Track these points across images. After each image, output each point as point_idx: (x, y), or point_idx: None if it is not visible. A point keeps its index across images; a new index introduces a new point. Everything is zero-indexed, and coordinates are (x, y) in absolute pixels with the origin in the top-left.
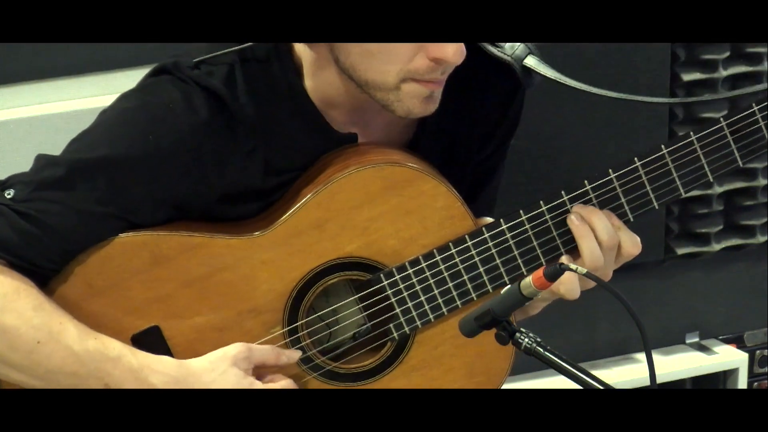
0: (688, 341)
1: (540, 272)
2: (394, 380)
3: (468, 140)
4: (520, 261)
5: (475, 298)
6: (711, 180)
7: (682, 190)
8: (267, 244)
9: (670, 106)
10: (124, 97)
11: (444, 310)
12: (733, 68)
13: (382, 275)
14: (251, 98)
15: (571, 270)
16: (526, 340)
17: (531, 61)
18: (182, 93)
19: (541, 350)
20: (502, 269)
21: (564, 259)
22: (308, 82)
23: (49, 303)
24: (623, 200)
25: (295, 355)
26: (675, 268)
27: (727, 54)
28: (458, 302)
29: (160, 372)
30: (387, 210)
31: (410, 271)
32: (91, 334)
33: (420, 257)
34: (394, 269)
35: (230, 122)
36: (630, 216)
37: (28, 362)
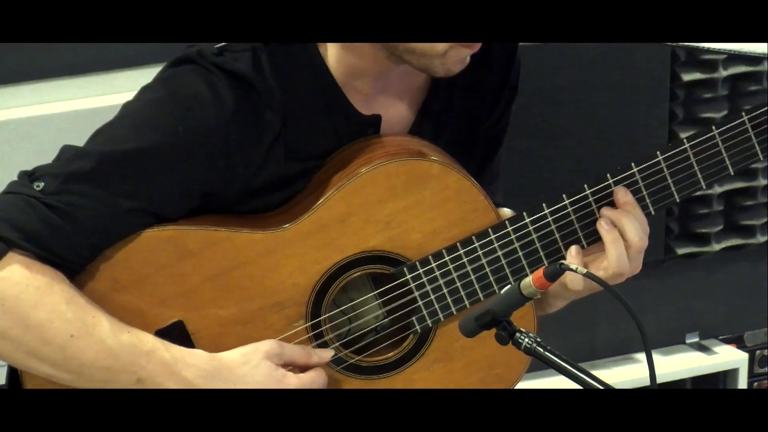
0: (688, 341)
1: (540, 272)
2: (416, 372)
3: (476, 108)
4: (542, 254)
5: (497, 291)
6: (704, 187)
7: (703, 183)
8: (291, 238)
9: (670, 107)
10: (149, 88)
11: (467, 302)
12: (733, 68)
13: (405, 269)
14: (278, 81)
15: (571, 270)
16: (526, 340)
17: None
18: (207, 83)
19: (541, 350)
20: (524, 262)
21: (575, 257)
22: (333, 54)
23: (80, 296)
24: (645, 193)
25: (326, 355)
26: (675, 268)
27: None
28: (480, 295)
29: (193, 365)
30: (410, 204)
31: (433, 264)
32: (125, 327)
33: (443, 251)
34: (417, 263)
35: (258, 107)
36: (651, 209)
37: (62, 356)
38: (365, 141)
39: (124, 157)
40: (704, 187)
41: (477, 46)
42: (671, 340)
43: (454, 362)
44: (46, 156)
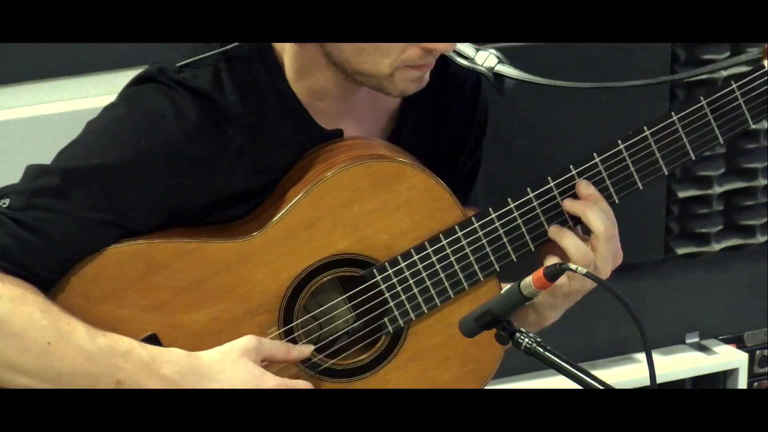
0: (688, 341)
1: (540, 272)
2: (390, 372)
3: (442, 143)
4: (509, 248)
5: (467, 287)
6: (693, 158)
7: (665, 169)
8: (260, 246)
9: (670, 107)
10: (112, 107)
11: (437, 301)
12: (732, 69)
13: (375, 270)
14: (239, 97)
15: (571, 270)
16: (526, 340)
17: (502, 69)
18: (169, 99)
19: (541, 350)
20: (492, 257)
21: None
22: (293, 77)
23: (54, 305)
24: (608, 183)
25: (306, 350)
26: (675, 268)
27: (727, 54)
28: (451, 293)
29: (171, 362)
30: (377, 205)
31: (402, 264)
32: (100, 332)
33: (412, 250)
34: (386, 264)
35: (219, 123)
36: (615, 198)
37: (40, 365)
38: (328, 145)
39: (88, 172)
40: (666, 173)
41: (425, 68)
42: (671, 340)
43: (428, 360)
44: (46, 156)
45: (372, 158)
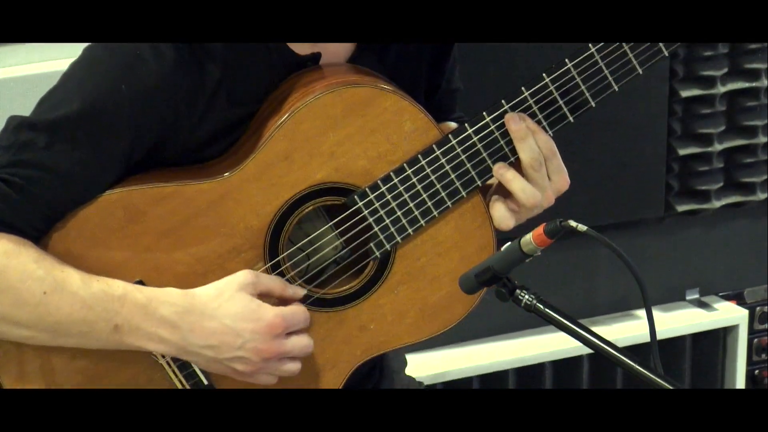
0: (688, 298)
1: (540, 229)
2: (382, 297)
3: (423, 54)
4: (489, 162)
5: (450, 206)
6: (616, 90)
7: (592, 102)
8: (238, 183)
9: (670, 64)
10: (90, 48)
11: (422, 222)
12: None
13: (356, 197)
14: None
15: (571, 228)
16: (527, 296)
17: None
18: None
19: (542, 307)
20: (473, 173)
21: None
22: None
23: (48, 255)
24: (540, 116)
25: (300, 292)
26: (675, 225)
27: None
28: (435, 212)
29: (167, 302)
30: (352, 132)
31: (383, 188)
32: (94, 277)
33: (391, 173)
34: (367, 189)
35: (196, 56)
36: (549, 133)
37: (36, 315)
38: (297, 76)
39: (71, 124)
40: (593, 105)
41: None
42: (671, 296)
43: (418, 281)
44: None
45: (342, 85)
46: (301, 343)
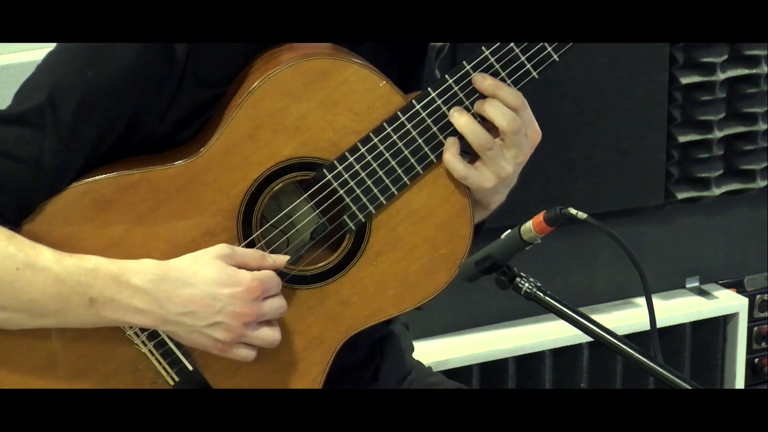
0: (688, 286)
1: (540, 217)
2: (362, 270)
3: None
4: None
5: (421, 172)
6: (535, 77)
7: (534, 72)
8: (204, 166)
9: (670, 51)
10: None
11: (393, 189)
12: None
13: (324, 170)
14: None
15: (571, 215)
16: (527, 284)
17: None
18: None
19: (541, 295)
20: (440, 136)
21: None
22: None
23: (18, 234)
24: (503, 74)
25: (281, 259)
26: (675, 212)
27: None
28: (405, 179)
29: (141, 272)
30: (314, 105)
31: (351, 159)
32: (66, 253)
33: (358, 143)
34: (335, 161)
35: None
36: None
37: (9, 293)
38: (262, 55)
39: (38, 112)
40: (536, 77)
41: None
42: (671, 284)
43: (397, 251)
44: None
45: (300, 58)
46: (276, 303)
